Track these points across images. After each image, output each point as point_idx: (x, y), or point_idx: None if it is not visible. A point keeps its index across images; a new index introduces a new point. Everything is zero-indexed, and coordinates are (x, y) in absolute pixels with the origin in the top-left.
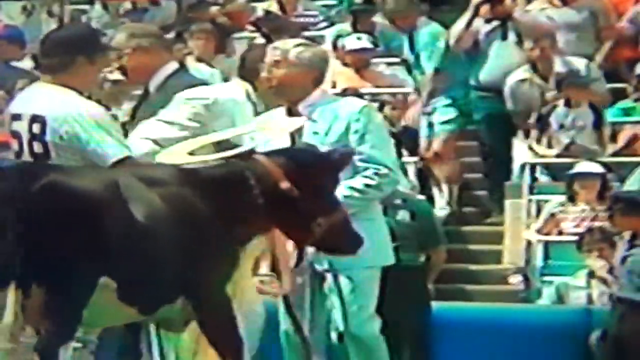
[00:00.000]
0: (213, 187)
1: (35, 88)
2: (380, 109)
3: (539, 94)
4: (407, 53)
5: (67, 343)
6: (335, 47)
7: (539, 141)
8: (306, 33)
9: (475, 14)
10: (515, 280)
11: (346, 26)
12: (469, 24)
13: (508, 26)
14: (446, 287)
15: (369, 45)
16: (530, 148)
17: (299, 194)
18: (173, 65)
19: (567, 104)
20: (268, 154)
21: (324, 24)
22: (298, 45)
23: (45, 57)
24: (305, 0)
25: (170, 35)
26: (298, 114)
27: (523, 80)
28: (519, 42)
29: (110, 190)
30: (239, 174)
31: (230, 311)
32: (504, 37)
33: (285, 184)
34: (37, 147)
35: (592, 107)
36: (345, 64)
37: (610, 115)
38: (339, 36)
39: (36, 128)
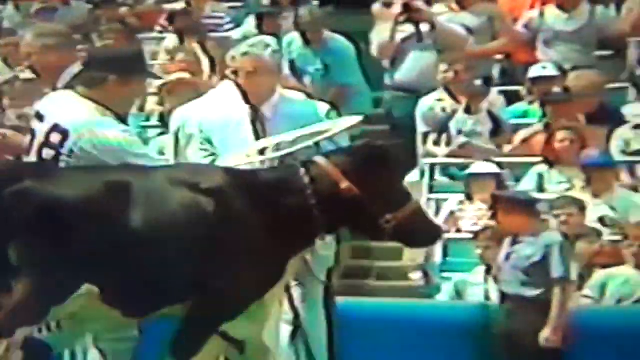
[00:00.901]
0: (266, 190)
1: (67, 96)
2: None
3: (450, 114)
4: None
5: (26, 327)
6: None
7: (436, 143)
8: (213, 35)
9: (396, 24)
10: (416, 276)
11: (252, 28)
12: (392, 35)
13: (422, 31)
14: (349, 282)
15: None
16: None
17: (361, 193)
18: (79, 65)
19: (468, 110)
20: (327, 154)
21: (231, 25)
22: (267, 46)
23: (84, 70)
24: (212, 1)
25: (79, 35)
26: (262, 116)
27: (435, 104)
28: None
29: (100, 197)
30: (293, 176)
31: (221, 318)
32: (420, 40)
33: (344, 184)
34: (46, 154)
35: (489, 113)
36: None
37: (506, 117)
38: (245, 37)
39: (55, 137)
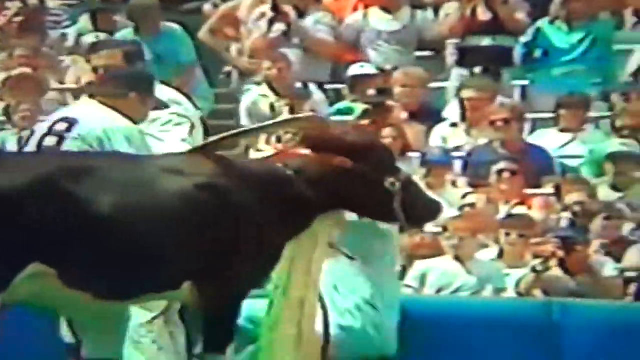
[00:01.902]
0: (257, 179)
1: (82, 101)
2: None
3: (271, 109)
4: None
5: None
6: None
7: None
8: (52, 32)
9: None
10: None
11: (88, 25)
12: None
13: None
14: None
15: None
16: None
17: (355, 163)
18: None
19: (292, 110)
20: (302, 144)
21: (68, 22)
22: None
23: (102, 86)
24: None
25: None
26: None
27: (259, 99)
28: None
29: (52, 180)
30: (276, 169)
31: (237, 305)
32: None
33: (337, 160)
34: (49, 141)
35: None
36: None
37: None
38: (80, 35)
39: (60, 126)
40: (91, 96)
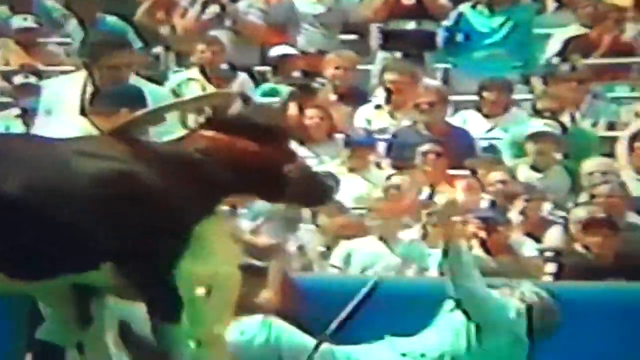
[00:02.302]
0: (166, 161)
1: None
2: None
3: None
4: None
5: None
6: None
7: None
8: None
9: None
10: None
11: (4, 8)
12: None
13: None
14: None
15: (34, 25)
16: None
17: (257, 146)
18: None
19: None
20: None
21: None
22: None
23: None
24: None
25: None
26: None
27: (184, 82)
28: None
29: None
30: (185, 151)
31: (164, 279)
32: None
33: (240, 143)
34: None
35: (241, 95)
36: (17, 42)
37: (256, 96)
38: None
39: None
40: (83, 114)
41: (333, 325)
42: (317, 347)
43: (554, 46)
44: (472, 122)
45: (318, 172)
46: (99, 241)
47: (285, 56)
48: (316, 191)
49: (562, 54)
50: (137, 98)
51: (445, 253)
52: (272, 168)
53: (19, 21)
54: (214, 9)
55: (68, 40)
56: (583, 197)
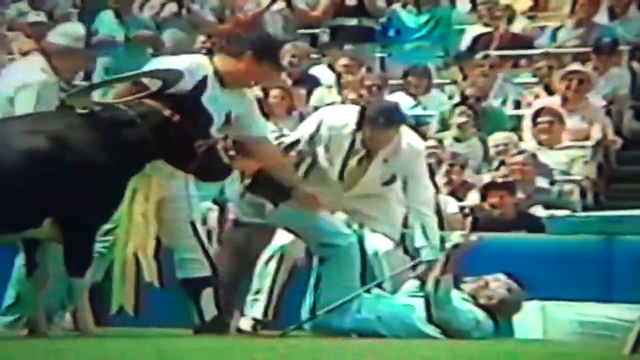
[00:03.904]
0: (103, 126)
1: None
2: None
3: None
4: None
5: None
6: None
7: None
8: None
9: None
10: None
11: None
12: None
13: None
14: None
15: (44, 20)
16: None
17: (180, 119)
18: None
19: None
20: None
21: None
22: None
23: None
24: None
25: None
26: None
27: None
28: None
29: None
30: (125, 113)
31: (90, 236)
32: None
33: (166, 112)
34: None
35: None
36: (28, 35)
37: None
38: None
39: None
40: None
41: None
42: None
43: (467, 40)
44: (403, 101)
45: (220, 154)
46: (42, 203)
47: None
48: (215, 169)
49: (474, 45)
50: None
51: (435, 288)
52: (185, 140)
53: (32, 16)
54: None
55: None
56: (494, 164)
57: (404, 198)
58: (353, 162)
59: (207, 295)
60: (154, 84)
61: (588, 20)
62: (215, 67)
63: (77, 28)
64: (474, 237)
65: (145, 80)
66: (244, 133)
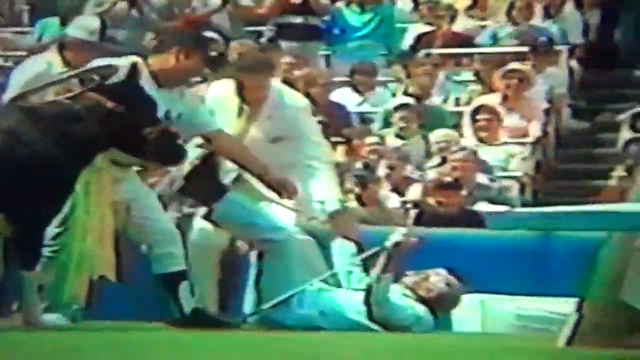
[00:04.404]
0: (53, 120)
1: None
2: None
3: None
4: None
5: None
6: None
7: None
8: None
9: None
10: None
11: None
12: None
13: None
14: None
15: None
16: None
17: (125, 109)
18: None
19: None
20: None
21: None
22: None
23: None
24: None
25: None
26: None
27: None
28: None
29: None
30: (72, 107)
31: (40, 230)
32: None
33: (110, 104)
34: None
35: None
36: None
37: None
38: None
39: None
40: None
41: None
42: None
43: (409, 38)
44: (347, 98)
45: (175, 137)
46: None
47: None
48: (169, 153)
49: (417, 44)
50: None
51: (369, 290)
52: (133, 129)
53: None
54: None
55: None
56: (435, 160)
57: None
58: (241, 121)
59: (184, 289)
60: (94, 80)
61: (525, 20)
62: (149, 66)
63: (93, 21)
64: (415, 236)
65: (85, 76)
66: (192, 131)
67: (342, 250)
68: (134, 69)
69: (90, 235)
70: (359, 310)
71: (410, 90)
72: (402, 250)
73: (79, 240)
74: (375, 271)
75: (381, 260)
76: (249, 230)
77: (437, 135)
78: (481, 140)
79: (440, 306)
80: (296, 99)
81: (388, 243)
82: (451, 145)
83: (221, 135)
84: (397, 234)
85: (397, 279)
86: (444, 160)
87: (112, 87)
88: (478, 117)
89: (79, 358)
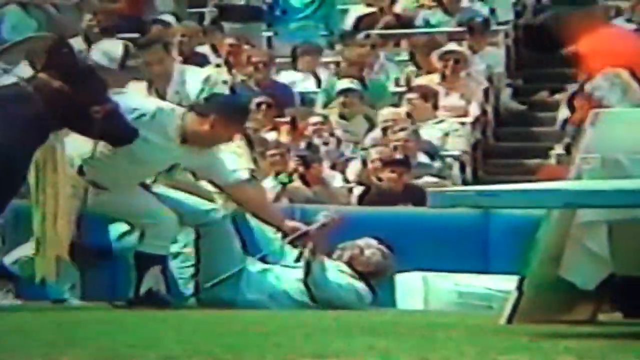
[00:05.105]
0: (4, 102)
1: None
2: None
3: None
4: None
5: None
6: None
7: None
8: None
9: None
10: None
11: None
12: None
13: None
14: None
15: None
16: None
17: (72, 89)
18: None
19: None
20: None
21: None
22: None
23: None
24: None
25: None
26: None
27: None
28: None
29: None
30: (23, 88)
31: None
32: None
33: (56, 84)
34: None
35: None
36: None
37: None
38: None
39: None
40: None
41: None
42: None
43: (350, 19)
44: (290, 79)
45: (124, 117)
46: None
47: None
48: (119, 132)
49: (357, 25)
50: None
51: (307, 269)
52: (80, 108)
53: None
54: None
55: None
56: (378, 139)
57: None
58: None
59: (153, 272)
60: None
61: (457, 2)
62: (183, 120)
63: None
64: (337, 215)
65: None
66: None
67: (260, 232)
68: (67, 44)
69: (48, 214)
70: (302, 291)
71: (351, 71)
72: (328, 231)
73: (38, 220)
74: (306, 253)
75: (309, 244)
76: (187, 218)
77: (385, 113)
78: (417, 119)
79: (377, 277)
80: (197, 73)
81: (313, 226)
82: (396, 124)
83: (241, 187)
84: (320, 217)
85: (329, 254)
86: (385, 139)
87: (58, 66)
88: (411, 95)
89: (21, 337)
